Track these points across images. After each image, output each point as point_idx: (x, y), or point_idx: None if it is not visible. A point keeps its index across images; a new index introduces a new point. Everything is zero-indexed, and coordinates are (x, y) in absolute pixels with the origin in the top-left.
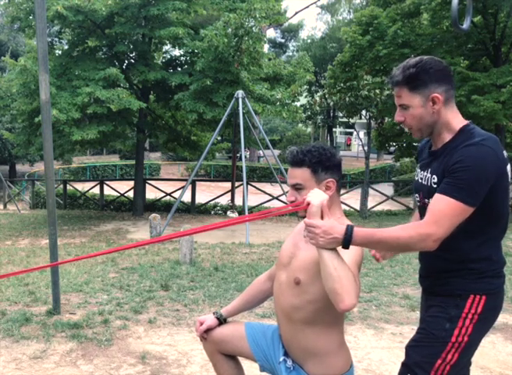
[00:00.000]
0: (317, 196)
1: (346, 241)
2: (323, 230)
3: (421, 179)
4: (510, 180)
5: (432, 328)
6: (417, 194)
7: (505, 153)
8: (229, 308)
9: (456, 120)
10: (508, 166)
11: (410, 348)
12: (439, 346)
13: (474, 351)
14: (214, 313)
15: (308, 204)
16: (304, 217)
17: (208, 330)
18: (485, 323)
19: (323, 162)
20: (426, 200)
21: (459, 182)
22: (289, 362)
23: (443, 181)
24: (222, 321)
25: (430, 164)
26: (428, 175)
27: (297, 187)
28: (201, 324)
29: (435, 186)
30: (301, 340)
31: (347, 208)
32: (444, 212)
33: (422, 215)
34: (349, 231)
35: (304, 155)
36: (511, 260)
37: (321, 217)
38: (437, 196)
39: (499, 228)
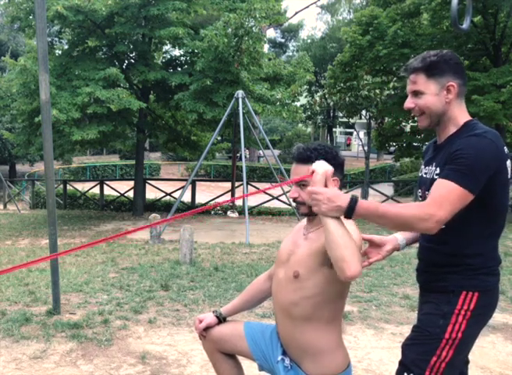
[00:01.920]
0: (321, 165)
1: (350, 209)
2: (327, 196)
3: (426, 173)
4: (509, 176)
5: (426, 326)
6: (419, 189)
7: (506, 149)
8: (228, 307)
9: (462, 116)
10: (508, 162)
11: (406, 347)
12: (433, 343)
13: (469, 349)
14: (213, 312)
15: (313, 172)
16: (305, 214)
17: (207, 329)
18: (478, 319)
19: (328, 161)
20: (427, 193)
21: (460, 168)
22: (287, 361)
23: (445, 168)
24: (221, 320)
25: (434, 158)
26: (433, 168)
27: (301, 184)
28: (200, 322)
29: (436, 177)
30: (299, 338)
31: None
32: (445, 196)
33: None
34: (353, 201)
35: (310, 152)
36: (511, 260)
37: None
38: (439, 181)
39: (497, 224)
